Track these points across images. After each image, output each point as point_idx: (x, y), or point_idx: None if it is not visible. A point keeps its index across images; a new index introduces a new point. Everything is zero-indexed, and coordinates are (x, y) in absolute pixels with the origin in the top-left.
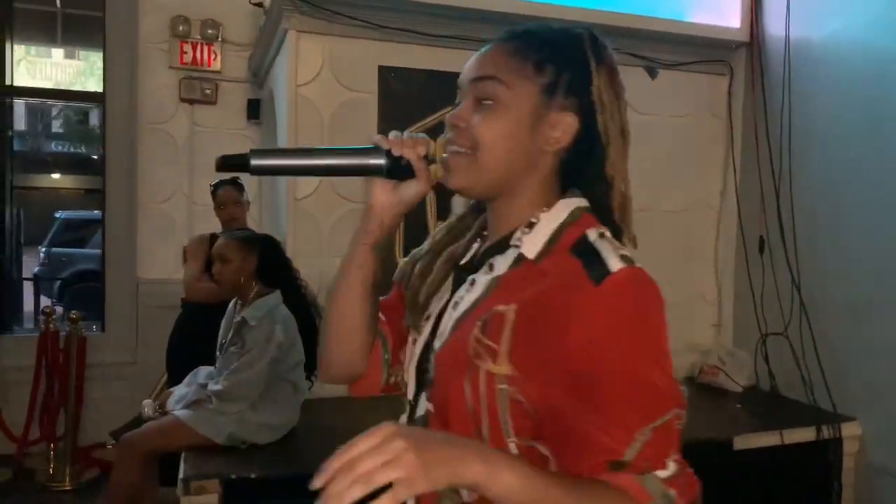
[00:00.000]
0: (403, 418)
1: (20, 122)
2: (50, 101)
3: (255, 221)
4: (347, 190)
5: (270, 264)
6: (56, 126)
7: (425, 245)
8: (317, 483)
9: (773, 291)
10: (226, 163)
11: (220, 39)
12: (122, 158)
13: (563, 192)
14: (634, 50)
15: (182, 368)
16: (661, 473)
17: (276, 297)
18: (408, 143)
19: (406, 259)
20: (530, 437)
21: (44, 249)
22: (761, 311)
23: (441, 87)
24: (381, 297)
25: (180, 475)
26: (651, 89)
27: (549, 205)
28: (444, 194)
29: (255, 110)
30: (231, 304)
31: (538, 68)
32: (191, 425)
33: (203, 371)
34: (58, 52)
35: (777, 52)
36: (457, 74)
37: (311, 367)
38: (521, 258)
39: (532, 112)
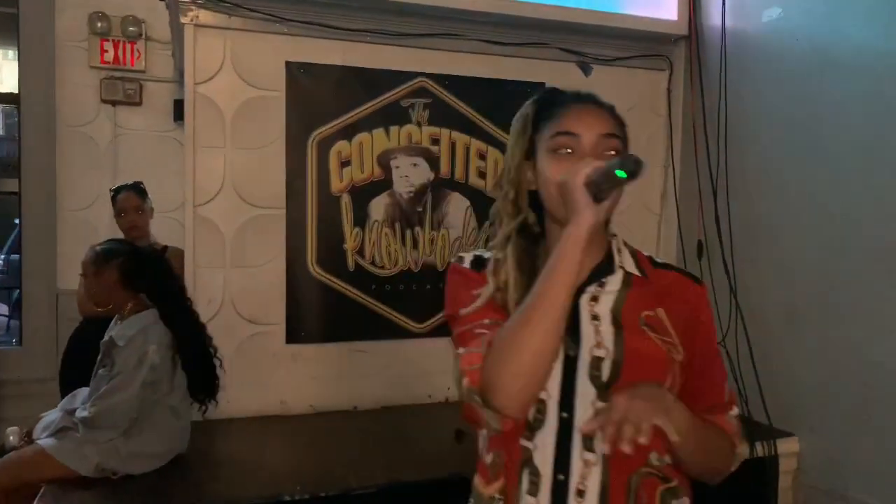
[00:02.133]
0: (547, 434)
1: None
2: None
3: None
4: (252, 195)
5: (134, 277)
6: None
7: (511, 274)
8: (604, 424)
9: (711, 298)
10: (631, 165)
11: (143, 37)
12: (40, 163)
13: None
14: (566, 45)
15: (72, 389)
16: (734, 412)
17: (151, 314)
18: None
19: (492, 287)
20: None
21: (2, 257)
22: None
23: (357, 84)
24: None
25: None
26: (587, 86)
27: (604, 234)
28: (359, 200)
29: (181, 111)
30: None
31: (624, 133)
32: (54, 455)
33: (82, 393)
34: None
35: (715, 45)
36: (374, 71)
37: (199, 389)
38: (627, 275)
39: None
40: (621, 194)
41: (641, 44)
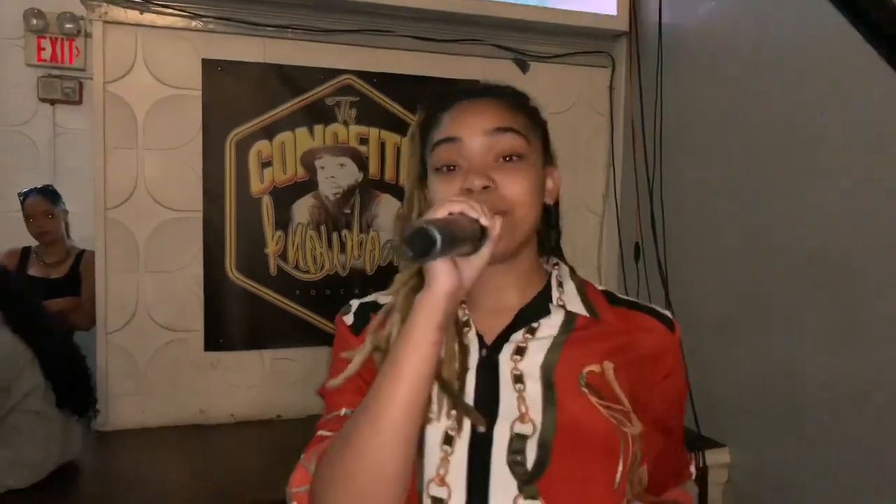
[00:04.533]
0: None
1: None
2: None
3: None
4: (167, 197)
5: None
6: None
7: (394, 330)
8: None
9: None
10: (414, 246)
11: (82, 34)
12: None
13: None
14: (500, 41)
15: None
16: (691, 477)
17: None
18: (483, 209)
19: (368, 348)
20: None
21: None
22: None
23: (279, 82)
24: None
25: None
26: (526, 85)
27: (538, 261)
28: (282, 202)
29: None
30: None
31: (534, 124)
32: None
33: None
34: None
35: (653, 41)
36: (297, 68)
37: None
38: (570, 316)
39: (541, 167)
40: (496, 243)
41: (582, 40)
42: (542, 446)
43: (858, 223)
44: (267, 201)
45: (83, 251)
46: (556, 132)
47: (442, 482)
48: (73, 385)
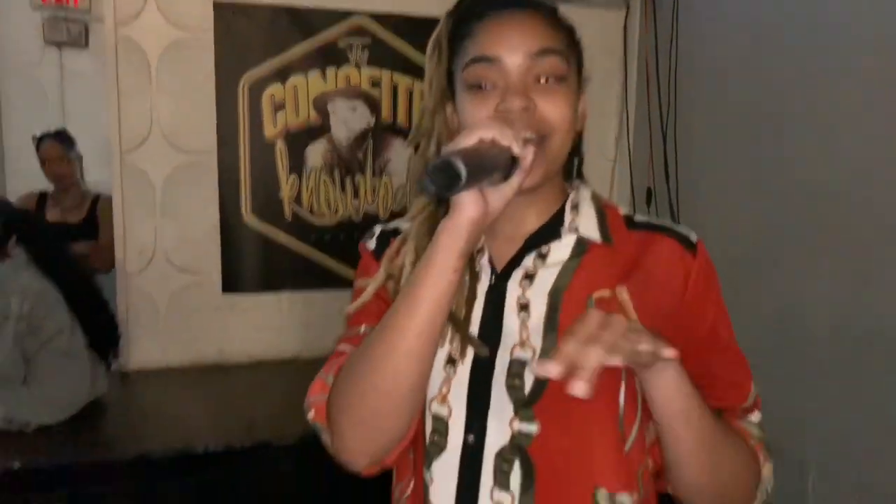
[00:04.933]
0: (446, 462)
1: None
2: None
3: None
4: (182, 141)
5: (16, 235)
6: None
7: (407, 259)
8: (553, 369)
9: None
10: (437, 180)
11: None
12: None
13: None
14: None
15: None
16: (753, 417)
17: (9, 266)
18: (512, 133)
19: (382, 277)
20: (650, 419)
21: None
22: None
23: (291, 24)
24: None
25: None
26: None
27: (561, 186)
28: (295, 146)
29: None
30: None
31: (574, 46)
32: None
33: None
34: None
35: None
36: (309, 10)
37: (96, 339)
38: (582, 242)
39: (577, 91)
40: (532, 169)
41: None
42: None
43: (880, 165)
44: (280, 145)
45: (99, 195)
46: None
47: (443, 400)
48: (99, 324)
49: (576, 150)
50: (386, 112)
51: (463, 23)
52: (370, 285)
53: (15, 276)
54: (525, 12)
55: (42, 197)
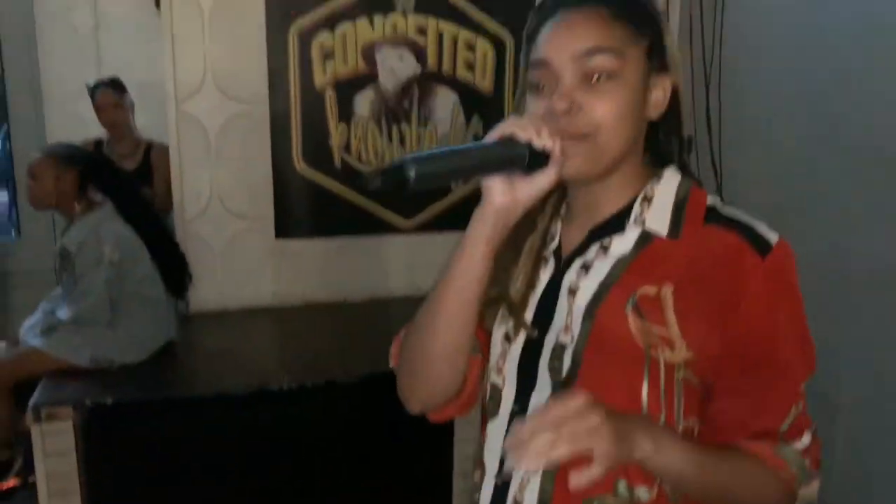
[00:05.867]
0: (497, 425)
1: None
2: None
3: None
4: (234, 90)
5: (95, 182)
6: None
7: None
8: (512, 443)
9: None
10: (378, 183)
11: None
12: (22, 53)
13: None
14: None
15: None
16: (797, 445)
17: (99, 215)
18: (544, 130)
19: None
20: (695, 417)
21: None
22: None
23: None
24: None
25: (31, 402)
26: None
27: (645, 176)
28: (343, 95)
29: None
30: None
31: (639, 32)
32: (47, 351)
33: (56, 294)
34: None
35: None
36: None
37: (171, 280)
38: (647, 235)
39: (643, 79)
40: (566, 165)
41: None
42: (575, 355)
43: None
44: (330, 94)
45: (151, 142)
46: None
47: (499, 372)
48: (174, 270)
49: (669, 133)
50: (432, 60)
51: (534, 27)
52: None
53: (107, 223)
54: (582, 11)
55: (97, 144)
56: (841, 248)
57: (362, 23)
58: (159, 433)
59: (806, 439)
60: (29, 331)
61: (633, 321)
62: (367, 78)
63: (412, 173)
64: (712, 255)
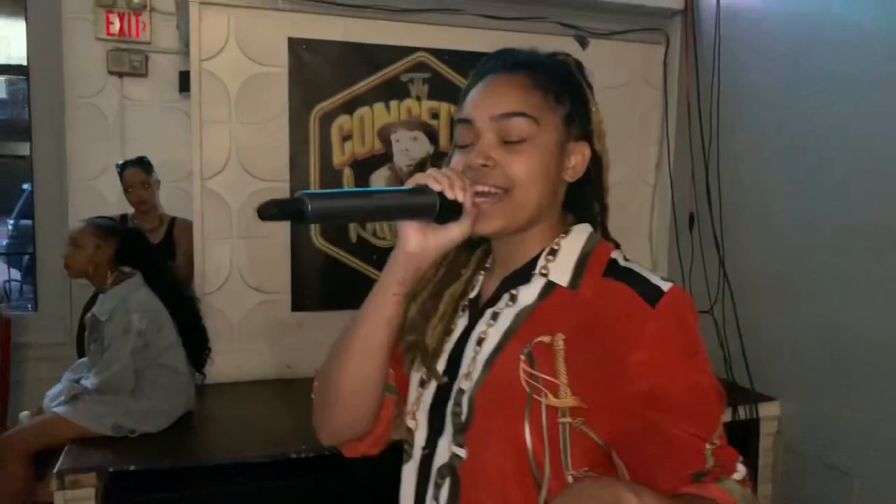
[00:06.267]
0: (410, 467)
1: None
2: None
3: None
4: (257, 168)
5: (129, 255)
6: None
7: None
8: None
9: (701, 269)
10: (274, 211)
11: (148, 8)
12: (50, 133)
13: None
14: (564, 19)
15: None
16: (736, 476)
17: (128, 285)
18: (457, 183)
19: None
20: (586, 466)
21: (11, 222)
22: (690, 289)
23: (358, 59)
24: None
25: (56, 468)
26: (584, 60)
27: (560, 232)
28: (361, 173)
29: (186, 82)
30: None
31: (557, 100)
32: (70, 419)
33: (81, 364)
34: None
35: (710, 20)
36: (375, 46)
37: (193, 350)
38: (551, 286)
39: (558, 144)
40: (480, 218)
41: (638, 18)
42: (471, 400)
43: None
44: (347, 173)
45: (175, 218)
46: (613, 106)
47: (413, 416)
48: (196, 341)
49: (590, 197)
50: (444, 141)
51: (468, 87)
52: None
53: (136, 293)
54: (506, 78)
55: (123, 218)
56: (844, 321)
57: (379, 107)
58: (180, 500)
59: (741, 469)
60: (53, 399)
61: (523, 368)
62: (383, 157)
63: (307, 207)
64: (606, 306)
